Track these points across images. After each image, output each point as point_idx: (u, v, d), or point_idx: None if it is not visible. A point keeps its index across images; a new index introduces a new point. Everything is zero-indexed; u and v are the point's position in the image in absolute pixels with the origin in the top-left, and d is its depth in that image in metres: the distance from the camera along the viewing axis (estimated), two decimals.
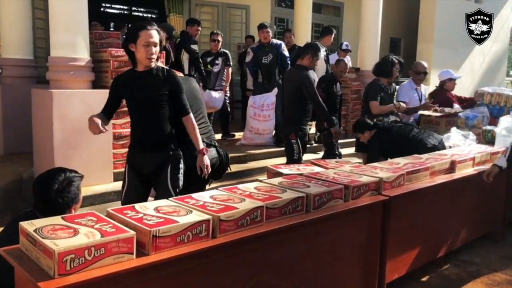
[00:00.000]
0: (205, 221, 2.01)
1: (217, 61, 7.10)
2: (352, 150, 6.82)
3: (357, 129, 4.76)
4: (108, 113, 3.15)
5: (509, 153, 3.50)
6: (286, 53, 6.82)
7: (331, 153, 5.61)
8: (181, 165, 3.17)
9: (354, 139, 5.77)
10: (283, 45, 6.91)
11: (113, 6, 14.53)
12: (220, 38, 7.18)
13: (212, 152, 3.53)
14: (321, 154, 6.39)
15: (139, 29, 2.93)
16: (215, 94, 6.91)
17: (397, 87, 5.61)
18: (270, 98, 6.68)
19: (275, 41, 6.91)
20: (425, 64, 5.64)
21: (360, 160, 5.54)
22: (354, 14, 11.39)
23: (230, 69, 7.30)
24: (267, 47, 6.73)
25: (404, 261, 3.16)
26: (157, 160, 3.09)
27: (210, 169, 3.21)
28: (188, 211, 2.10)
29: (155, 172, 3.10)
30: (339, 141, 6.06)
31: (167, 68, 3.18)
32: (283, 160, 5.41)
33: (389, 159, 4.03)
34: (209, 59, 7.10)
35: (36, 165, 4.97)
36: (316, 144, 7.15)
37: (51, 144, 4.50)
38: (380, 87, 5.09)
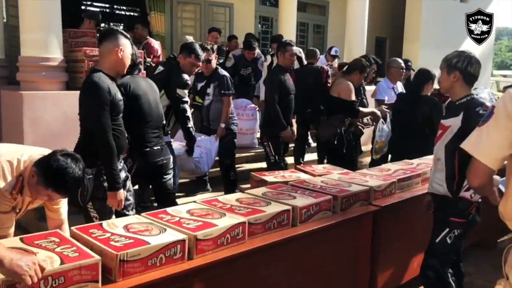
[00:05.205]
0: (180, 241, 1.81)
1: (208, 90, 4.75)
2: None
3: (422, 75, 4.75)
4: None
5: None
6: (261, 68, 6.74)
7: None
8: None
9: None
10: (262, 59, 6.82)
11: (95, 4, 14.19)
12: (211, 57, 4.67)
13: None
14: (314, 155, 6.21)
15: None
16: (200, 157, 4.47)
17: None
18: (249, 102, 6.46)
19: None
20: (400, 60, 5.73)
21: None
22: (339, 13, 11.23)
23: (229, 100, 4.73)
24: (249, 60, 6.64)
25: (396, 273, 3.00)
26: None
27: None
28: (162, 230, 1.90)
29: None
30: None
31: None
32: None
33: None
34: (199, 87, 4.83)
35: None
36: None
37: None
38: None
